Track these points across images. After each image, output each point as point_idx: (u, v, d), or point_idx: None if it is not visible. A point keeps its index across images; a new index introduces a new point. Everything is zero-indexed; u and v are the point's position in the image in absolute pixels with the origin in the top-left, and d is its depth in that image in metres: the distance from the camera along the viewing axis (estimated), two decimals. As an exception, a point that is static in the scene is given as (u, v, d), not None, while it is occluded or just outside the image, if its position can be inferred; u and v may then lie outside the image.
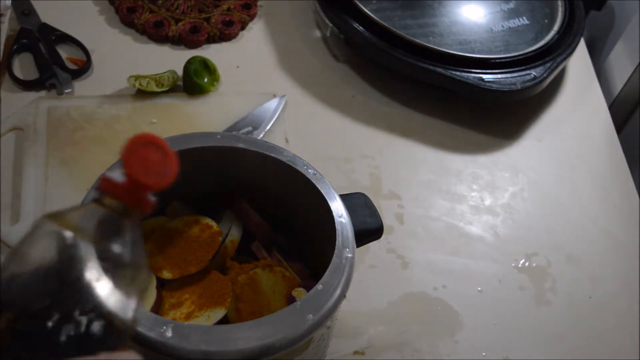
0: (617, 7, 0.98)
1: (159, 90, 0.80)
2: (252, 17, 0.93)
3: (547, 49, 0.85)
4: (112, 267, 0.35)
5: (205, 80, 0.83)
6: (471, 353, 0.65)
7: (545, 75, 0.82)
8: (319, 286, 0.48)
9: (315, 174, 0.56)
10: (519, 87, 0.81)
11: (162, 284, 0.55)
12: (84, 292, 0.34)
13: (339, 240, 0.51)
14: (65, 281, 0.34)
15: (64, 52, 0.84)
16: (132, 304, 0.35)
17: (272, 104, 0.82)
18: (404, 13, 0.86)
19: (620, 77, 0.93)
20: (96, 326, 0.34)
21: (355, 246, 0.52)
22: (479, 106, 0.87)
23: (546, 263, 0.73)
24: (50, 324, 0.33)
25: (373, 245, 0.62)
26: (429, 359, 0.64)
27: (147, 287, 0.37)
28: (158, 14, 0.89)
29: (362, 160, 0.79)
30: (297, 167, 0.56)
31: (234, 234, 0.59)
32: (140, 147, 0.36)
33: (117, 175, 0.36)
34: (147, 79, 0.80)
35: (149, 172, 0.36)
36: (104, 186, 0.36)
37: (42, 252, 0.35)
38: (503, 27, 0.87)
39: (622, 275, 0.73)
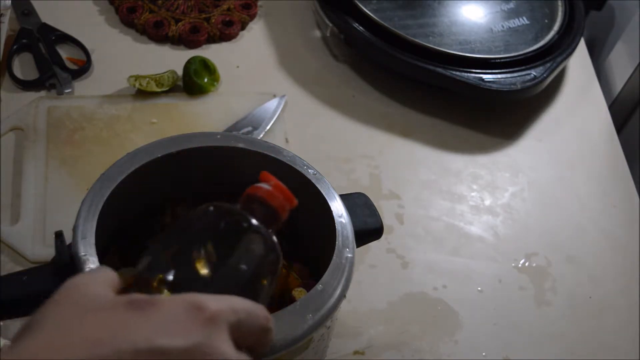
0: (617, 7, 0.98)
1: (159, 90, 0.80)
2: (252, 17, 0.93)
3: (547, 49, 0.85)
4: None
5: (205, 80, 0.83)
6: (471, 353, 0.65)
7: (545, 75, 0.82)
8: (319, 286, 0.48)
9: (315, 174, 0.56)
10: (519, 87, 0.81)
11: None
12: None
13: (339, 240, 0.51)
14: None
15: (64, 52, 0.84)
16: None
17: (272, 104, 0.82)
18: (404, 13, 0.86)
19: (620, 77, 0.93)
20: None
21: (355, 246, 0.52)
22: (479, 106, 0.87)
23: (546, 263, 0.73)
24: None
25: (373, 245, 0.62)
26: (429, 359, 0.64)
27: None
28: (158, 14, 0.89)
29: (362, 160, 0.79)
30: (297, 167, 0.56)
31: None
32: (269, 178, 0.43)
33: (264, 185, 0.43)
34: (147, 79, 0.80)
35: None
36: (255, 190, 0.42)
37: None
38: (503, 27, 0.87)
39: (622, 275, 0.73)
